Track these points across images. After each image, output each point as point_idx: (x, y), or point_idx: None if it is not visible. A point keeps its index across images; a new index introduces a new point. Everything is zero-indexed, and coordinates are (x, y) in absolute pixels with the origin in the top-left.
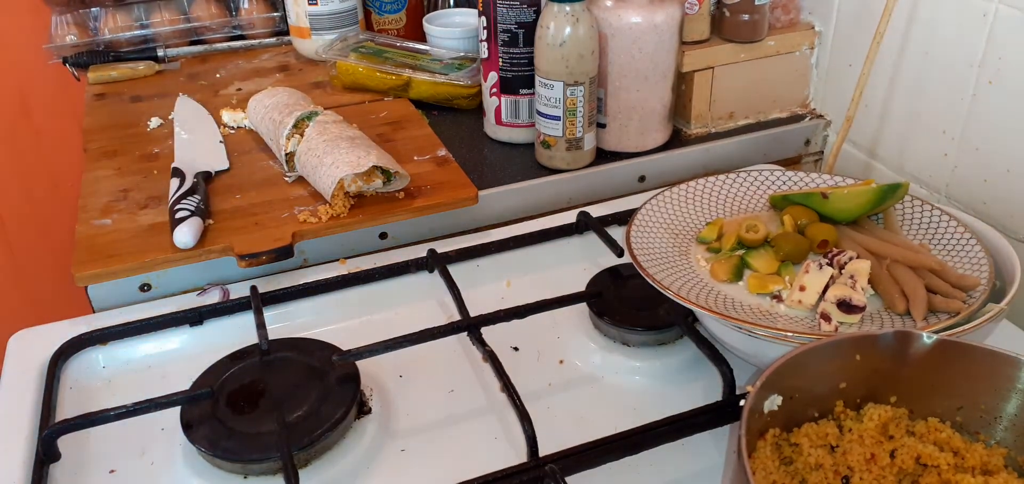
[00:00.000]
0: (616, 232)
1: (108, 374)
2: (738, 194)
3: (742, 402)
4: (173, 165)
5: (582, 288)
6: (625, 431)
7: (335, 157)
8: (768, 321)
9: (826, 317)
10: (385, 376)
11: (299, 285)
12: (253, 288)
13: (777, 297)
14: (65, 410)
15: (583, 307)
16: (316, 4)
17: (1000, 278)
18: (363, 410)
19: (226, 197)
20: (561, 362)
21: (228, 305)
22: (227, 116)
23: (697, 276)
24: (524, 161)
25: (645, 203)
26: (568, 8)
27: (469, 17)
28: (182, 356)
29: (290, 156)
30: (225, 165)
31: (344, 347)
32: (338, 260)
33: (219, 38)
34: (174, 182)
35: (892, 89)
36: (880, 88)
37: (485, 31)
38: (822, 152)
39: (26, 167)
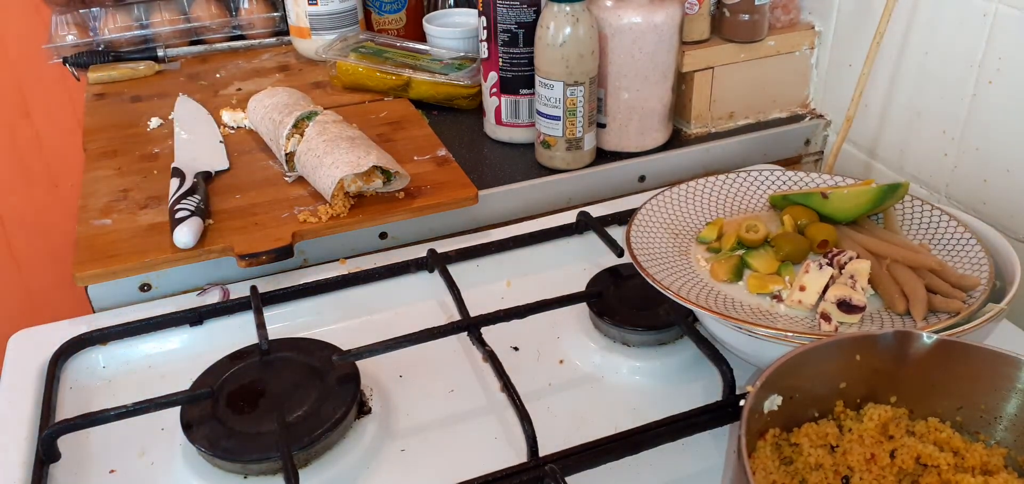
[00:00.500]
0: (616, 232)
1: (108, 374)
2: (738, 194)
3: (742, 402)
4: (173, 165)
5: (582, 288)
6: (625, 431)
7: (335, 157)
8: (768, 321)
9: (826, 317)
10: (385, 376)
11: (299, 285)
12: (253, 288)
13: (777, 297)
14: (65, 410)
15: (583, 307)
16: (316, 4)
17: (1000, 278)
18: (363, 410)
19: (226, 197)
20: (561, 362)
21: (228, 305)
22: (227, 116)
23: (697, 276)
24: (524, 161)
25: (645, 203)
26: (568, 8)
27: (469, 17)
28: (182, 356)
29: (290, 156)
30: (225, 165)
31: (344, 347)
32: (338, 260)
33: (219, 38)
34: (174, 182)
35: (892, 89)
36: (880, 88)
37: (485, 31)
38: (822, 152)
39: (26, 167)
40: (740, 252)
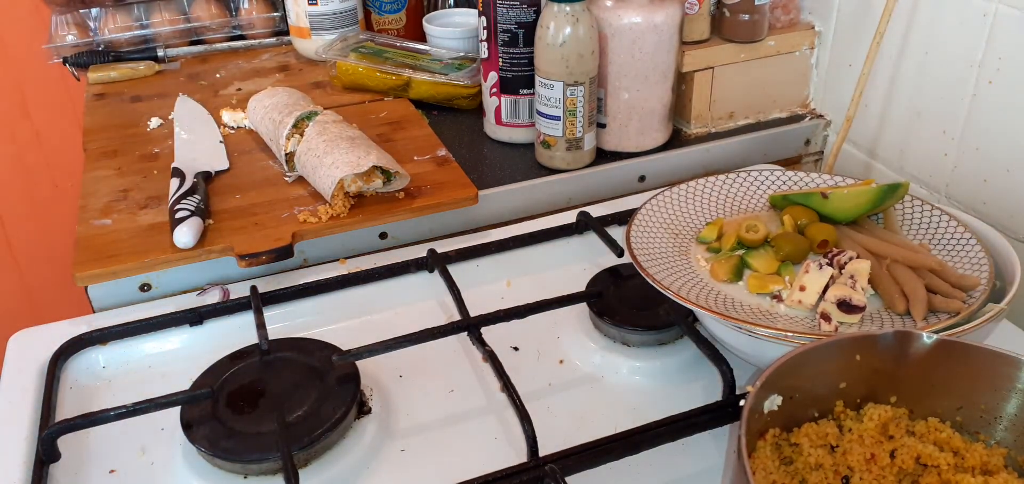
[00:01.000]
0: (616, 232)
1: (108, 374)
2: (738, 194)
3: (742, 402)
4: (173, 165)
5: (582, 288)
6: (625, 431)
7: (335, 157)
8: (768, 321)
9: (826, 317)
10: (385, 376)
11: (299, 285)
12: (253, 288)
13: (777, 297)
14: (65, 410)
15: (583, 307)
16: (316, 4)
17: (1000, 278)
18: (363, 410)
19: (226, 197)
20: (561, 362)
21: (228, 305)
22: (227, 116)
23: (697, 276)
24: (524, 161)
25: (645, 203)
26: (568, 8)
27: (469, 17)
28: (182, 356)
29: (290, 156)
30: (225, 165)
31: (344, 347)
32: (338, 260)
33: (219, 38)
34: (174, 182)
35: (892, 89)
36: (880, 88)
37: (485, 31)
38: (822, 152)
39: (26, 167)
40: (740, 252)
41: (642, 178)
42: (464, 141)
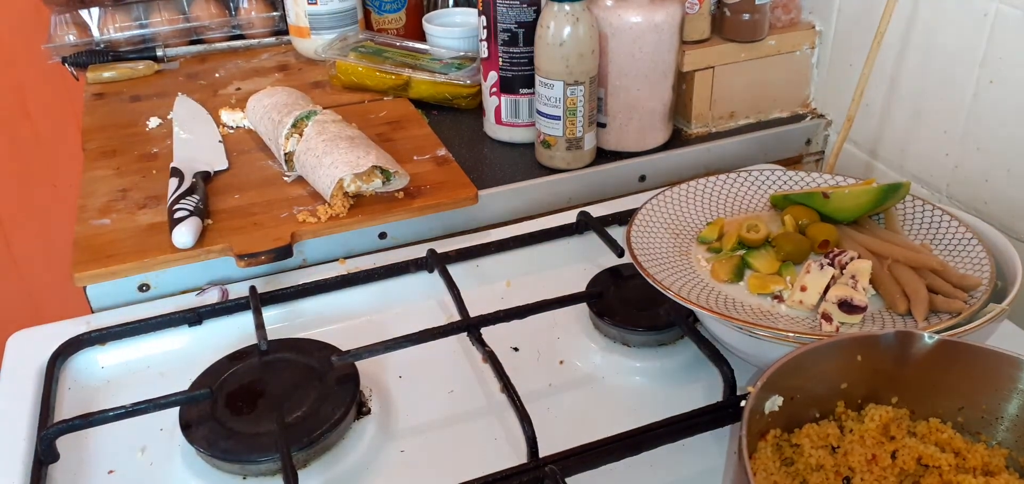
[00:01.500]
0: (616, 232)
1: (107, 374)
2: (739, 194)
3: (743, 403)
4: (172, 165)
5: (582, 288)
6: (625, 432)
7: (334, 157)
8: (769, 321)
9: (827, 317)
10: (385, 376)
11: (298, 285)
12: (252, 288)
13: (778, 297)
14: (64, 410)
15: (583, 307)
16: (315, 4)
17: (1002, 278)
18: (363, 410)
19: (225, 197)
20: (561, 362)
21: (227, 305)
22: (226, 116)
23: (697, 276)
24: (524, 161)
25: (645, 203)
26: (568, 8)
27: (469, 17)
28: (181, 356)
29: (289, 156)
30: (224, 165)
31: (344, 347)
32: (337, 260)
33: (218, 38)
34: (173, 182)
35: (893, 89)
36: (881, 88)
37: (485, 31)
38: (823, 152)
39: (25, 167)
40: (741, 252)
41: (642, 178)
42: (464, 141)
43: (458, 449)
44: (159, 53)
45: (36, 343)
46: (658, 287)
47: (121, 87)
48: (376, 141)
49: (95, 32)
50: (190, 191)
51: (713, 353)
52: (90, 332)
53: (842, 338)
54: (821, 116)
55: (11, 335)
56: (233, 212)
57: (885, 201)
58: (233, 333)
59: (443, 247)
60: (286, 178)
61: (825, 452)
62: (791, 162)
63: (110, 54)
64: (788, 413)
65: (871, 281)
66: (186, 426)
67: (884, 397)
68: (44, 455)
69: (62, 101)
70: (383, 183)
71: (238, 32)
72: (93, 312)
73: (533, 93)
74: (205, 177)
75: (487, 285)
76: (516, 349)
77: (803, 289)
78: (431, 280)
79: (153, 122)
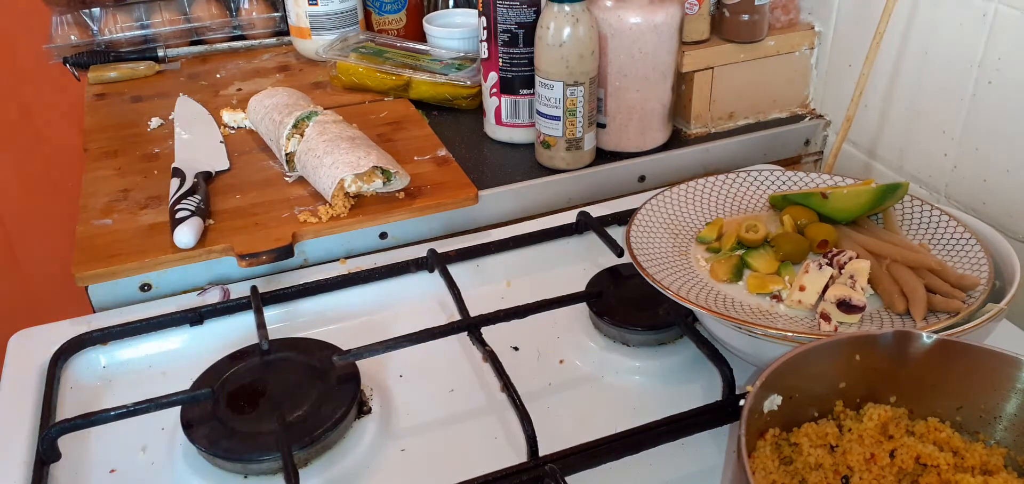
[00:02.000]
0: (616, 232)
1: (108, 374)
2: (738, 194)
3: (742, 402)
4: (173, 165)
5: (582, 288)
6: (625, 431)
7: (335, 157)
8: (768, 321)
9: (826, 317)
10: (385, 376)
11: (299, 285)
12: (253, 288)
13: (777, 297)
14: (65, 410)
15: (583, 307)
16: (316, 4)
17: (1000, 278)
18: (363, 410)
19: (226, 197)
20: (561, 362)
21: (228, 305)
22: (227, 116)
23: (697, 276)
24: (524, 161)
25: (645, 203)
26: (568, 8)
27: (469, 17)
28: (182, 356)
29: (290, 156)
30: (225, 165)
31: (344, 347)
32: (338, 260)
33: (219, 38)
34: (174, 182)
35: (892, 89)
36: (880, 88)
37: (485, 31)
38: (822, 152)
39: (26, 167)
40: (740, 252)
41: (642, 178)
42: (464, 141)
43: (458, 448)
44: (160, 54)
45: (38, 342)
46: (657, 287)
47: (122, 87)
48: (377, 141)
49: (96, 32)
50: (191, 191)
51: (712, 352)
52: (92, 332)
53: (841, 337)
54: (820, 116)
55: (13, 335)
56: (234, 212)
57: (884, 201)
58: (234, 333)
59: (443, 247)
60: (287, 178)
61: (824, 451)
62: (790, 162)
63: (111, 54)
64: (787, 412)
65: (869, 281)
66: (187, 425)
67: (883, 396)
68: (46, 454)
69: (63, 101)
70: (384, 183)
71: (239, 33)
72: (95, 312)
73: (533, 94)
74: (206, 177)
75: (487, 285)
76: (516, 349)
77: (802, 289)
78: (431, 280)
79: (154, 122)
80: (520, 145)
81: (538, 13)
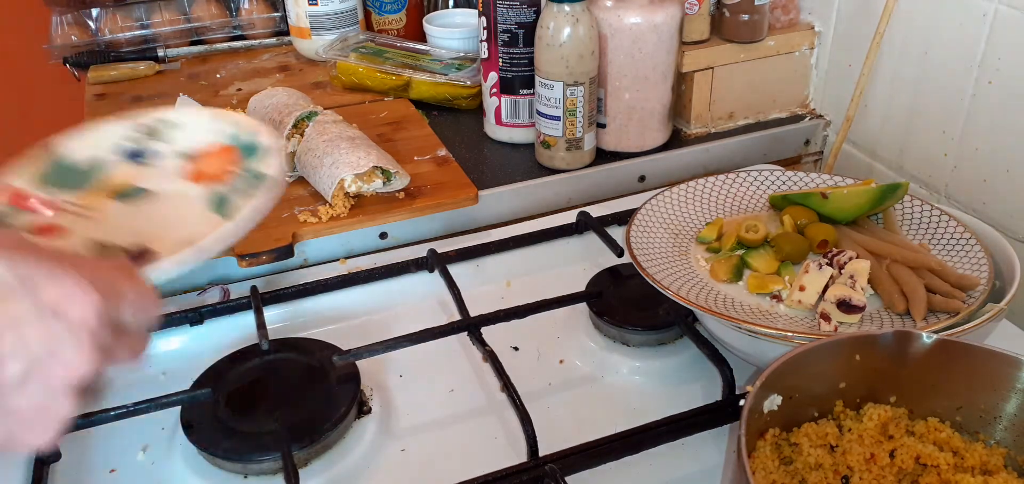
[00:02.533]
0: (616, 232)
1: (108, 373)
2: (738, 194)
3: (742, 402)
4: None
5: (582, 288)
6: (625, 431)
7: (335, 157)
8: (768, 321)
9: (826, 317)
10: (385, 376)
11: (299, 285)
12: (253, 288)
13: (777, 297)
14: None
15: (583, 307)
16: (316, 4)
17: (1000, 278)
18: (363, 410)
19: None
20: (561, 362)
21: (228, 305)
22: None
23: (697, 276)
24: (524, 161)
25: (645, 203)
26: (568, 8)
27: (469, 17)
28: (182, 356)
29: (290, 156)
30: None
31: (344, 347)
32: (338, 260)
33: (220, 38)
34: None
35: (892, 89)
36: (880, 88)
37: (485, 31)
38: (822, 152)
39: None
40: (740, 252)
41: (642, 178)
42: (464, 141)
43: (458, 448)
44: (160, 53)
45: None
46: (657, 287)
47: (122, 87)
48: (377, 141)
49: (96, 32)
50: None
51: (712, 352)
52: None
53: (841, 337)
54: (820, 116)
55: None
56: None
57: (884, 201)
58: (234, 333)
59: (443, 247)
60: (287, 178)
61: (824, 451)
62: (790, 162)
63: (111, 54)
64: (787, 412)
65: (869, 281)
66: (187, 425)
67: (882, 396)
68: (45, 454)
69: (63, 101)
70: (384, 183)
71: (239, 33)
72: None
73: (533, 94)
74: None
75: (487, 285)
76: (516, 349)
77: (802, 289)
78: (431, 280)
79: None
80: (520, 145)
81: (538, 13)
